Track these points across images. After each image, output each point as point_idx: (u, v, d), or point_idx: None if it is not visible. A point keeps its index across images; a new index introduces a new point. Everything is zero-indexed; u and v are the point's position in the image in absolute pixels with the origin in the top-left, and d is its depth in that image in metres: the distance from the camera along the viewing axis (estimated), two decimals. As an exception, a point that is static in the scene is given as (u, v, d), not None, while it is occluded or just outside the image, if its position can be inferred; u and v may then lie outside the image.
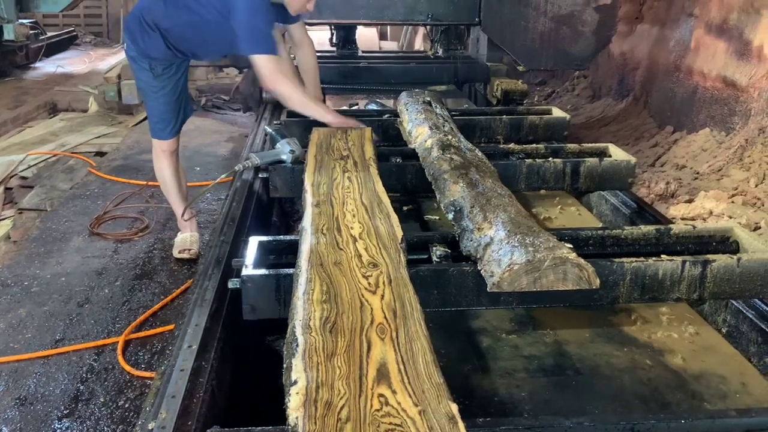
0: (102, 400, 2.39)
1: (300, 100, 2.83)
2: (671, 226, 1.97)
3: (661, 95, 5.27)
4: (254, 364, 2.18)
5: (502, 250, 1.59)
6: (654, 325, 1.73)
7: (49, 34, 10.50)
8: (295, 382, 1.13)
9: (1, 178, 4.79)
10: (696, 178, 4.20)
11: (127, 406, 2.38)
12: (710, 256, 1.76)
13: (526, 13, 4.41)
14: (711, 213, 3.58)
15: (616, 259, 1.72)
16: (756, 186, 3.70)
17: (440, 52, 5.13)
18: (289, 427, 1.05)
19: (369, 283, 1.49)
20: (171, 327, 2.83)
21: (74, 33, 11.60)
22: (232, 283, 1.71)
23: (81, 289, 3.12)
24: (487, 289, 1.56)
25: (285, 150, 2.58)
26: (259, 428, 1.18)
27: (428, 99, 3.15)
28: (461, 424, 1.04)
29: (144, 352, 2.68)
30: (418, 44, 9.03)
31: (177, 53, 2.91)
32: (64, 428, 2.25)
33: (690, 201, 3.83)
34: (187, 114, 3.17)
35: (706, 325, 1.77)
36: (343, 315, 1.36)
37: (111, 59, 9.82)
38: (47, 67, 9.43)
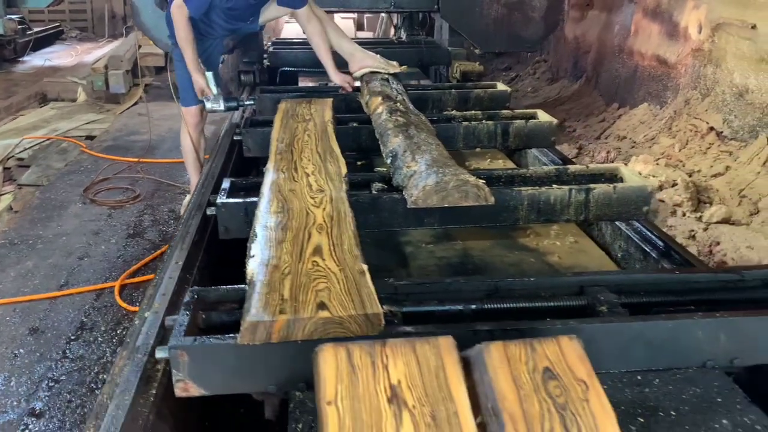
0: (103, 328, 2.82)
1: (180, 37, 3.25)
2: (568, 166, 2.42)
3: (608, 75, 5.75)
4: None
5: (420, 178, 2.03)
6: (543, 237, 2.19)
7: (36, 29, 10.81)
8: (254, 256, 1.57)
9: (0, 159, 5.18)
10: (633, 147, 4.68)
11: (124, 333, 2.80)
12: (592, 185, 2.21)
13: (481, -1, 4.86)
14: (639, 174, 4.05)
15: (515, 188, 2.17)
16: (679, 150, 4.18)
17: (404, 37, 5.56)
18: (248, 280, 1.49)
19: (315, 201, 1.92)
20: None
21: (60, 28, 11.92)
22: (210, 210, 2.14)
23: (80, 246, 3.54)
24: (407, 206, 2.00)
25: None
26: (227, 287, 1.60)
27: (386, 77, 3.60)
28: (368, 275, 1.48)
29: (138, 294, 3.11)
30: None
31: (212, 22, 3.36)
32: (72, 349, 2.68)
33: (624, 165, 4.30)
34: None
35: (586, 237, 2.22)
36: (292, 220, 1.79)
37: (97, 52, 10.17)
38: (35, 60, 9.75)
